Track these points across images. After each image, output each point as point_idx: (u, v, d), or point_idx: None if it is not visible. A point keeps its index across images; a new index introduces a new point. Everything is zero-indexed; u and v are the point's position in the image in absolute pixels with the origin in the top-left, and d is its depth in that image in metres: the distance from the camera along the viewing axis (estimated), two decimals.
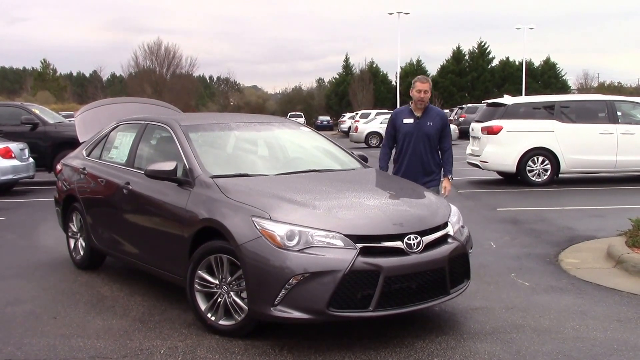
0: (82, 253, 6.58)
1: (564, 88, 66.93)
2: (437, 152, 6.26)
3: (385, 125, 6.57)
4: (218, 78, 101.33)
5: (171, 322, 4.85)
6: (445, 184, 6.23)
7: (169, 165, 5.02)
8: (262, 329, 4.46)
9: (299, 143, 6.24)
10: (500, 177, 14.10)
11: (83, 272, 6.49)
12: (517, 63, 66.54)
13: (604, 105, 13.08)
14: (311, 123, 55.42)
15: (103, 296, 5.62)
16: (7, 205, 11.28)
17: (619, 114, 12.99)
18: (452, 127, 31.52)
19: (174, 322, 4.85)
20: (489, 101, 14.82)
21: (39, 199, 12.00)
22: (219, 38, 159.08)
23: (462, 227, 4.92)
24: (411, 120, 6.12)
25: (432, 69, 70.49)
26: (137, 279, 6.10)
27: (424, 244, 4.36)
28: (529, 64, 66.23)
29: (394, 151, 6.44)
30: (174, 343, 4.41)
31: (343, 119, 48.11)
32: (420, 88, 6.04)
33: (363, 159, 6.00)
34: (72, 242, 6.80)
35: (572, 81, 74.36)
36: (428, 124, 6.10)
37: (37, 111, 14.94)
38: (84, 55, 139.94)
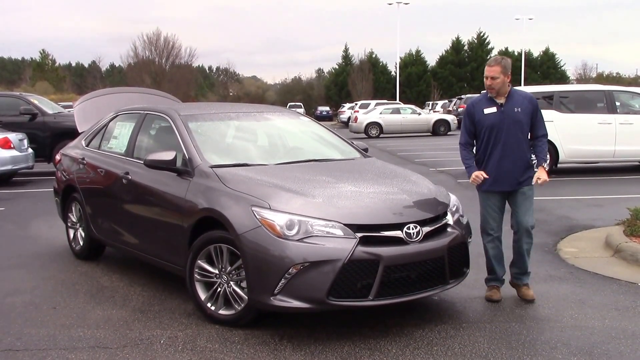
0: (81, 243, 6.59)
1: (562, 78, 66.82)
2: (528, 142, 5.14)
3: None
4: (217, 68, 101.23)
5: (171, 312, 4.86)
6: (540, 173, 5.01)
7: (168, 155, 5.02)
8: (262, 319, 4.47)
9: (299, 133, 6.23)
10: None
11: (82, 262, 6.50)
12: (516, 53, 66.34)
13: (602, 96, 13.05)
14: (311, 113, 55.27)
15: (103, 286, 5.63)
16: (7, 196, 11.28)
17: (618, 104, 12.96)
18: (451, 117, 31.51)
19: (174, 312, 4.86)
20: None
21: (38, 190, 12.00)
22: (215, 28, 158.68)
23: (462, 216, 4.93)
24: (494, 109, 4.99)
25: (432, 59, 70.21)
26: (136, 269, 6.11)
27: (424, 233, 4.37)
28: (528, 55, 66.14)
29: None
30: (174, 333, 4.42)
31: (343, 110, 48.06)
32: (487, 74, 4.95)
33: (363, 149, 5.99)
34: (71, 232, 6.80)
35: (571, 72, 74.41)
36: (516, 109, 4.97)
37: (36, 101, 14.92)
38: (82, 45, 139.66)
